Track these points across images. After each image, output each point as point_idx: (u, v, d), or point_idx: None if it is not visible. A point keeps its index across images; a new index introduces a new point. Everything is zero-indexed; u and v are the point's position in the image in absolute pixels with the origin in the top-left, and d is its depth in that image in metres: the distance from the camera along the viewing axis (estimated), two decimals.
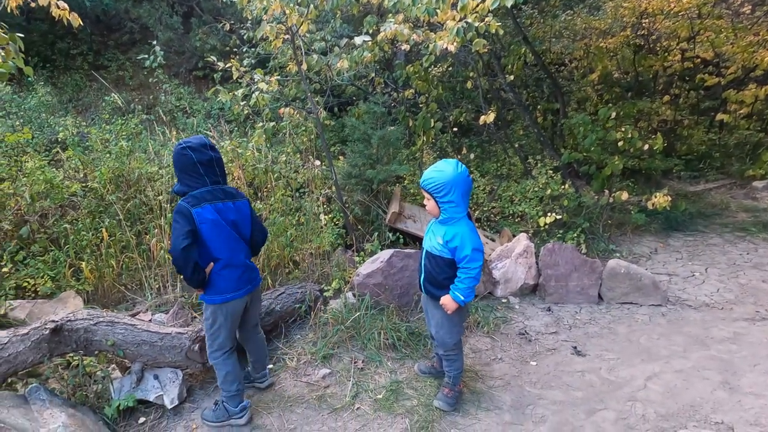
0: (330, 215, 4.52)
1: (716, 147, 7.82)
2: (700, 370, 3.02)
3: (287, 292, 3.46)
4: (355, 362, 3.05)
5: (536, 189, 5.16)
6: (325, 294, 3.60)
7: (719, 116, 7.20)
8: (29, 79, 6.26)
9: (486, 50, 4.72)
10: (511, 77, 5.95)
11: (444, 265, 2.41)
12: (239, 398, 2.55)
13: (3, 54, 2.99)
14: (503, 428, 2.53)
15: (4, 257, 3.69)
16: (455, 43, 3.93)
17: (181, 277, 2.44)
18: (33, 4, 3.20)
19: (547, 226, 4.67)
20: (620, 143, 4.87)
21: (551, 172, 5.24)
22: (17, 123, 5.69)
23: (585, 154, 5.30)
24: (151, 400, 2.68)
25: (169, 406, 2.68)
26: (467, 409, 2.67)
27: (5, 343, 2.45)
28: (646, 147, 4.86)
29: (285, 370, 3.00)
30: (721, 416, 2.60)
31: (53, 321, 2.59)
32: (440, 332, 2.58)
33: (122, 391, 2.67)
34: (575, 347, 3.30)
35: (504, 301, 3.94)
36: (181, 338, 2.79)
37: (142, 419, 2.64)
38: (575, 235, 4.70)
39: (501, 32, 4.03)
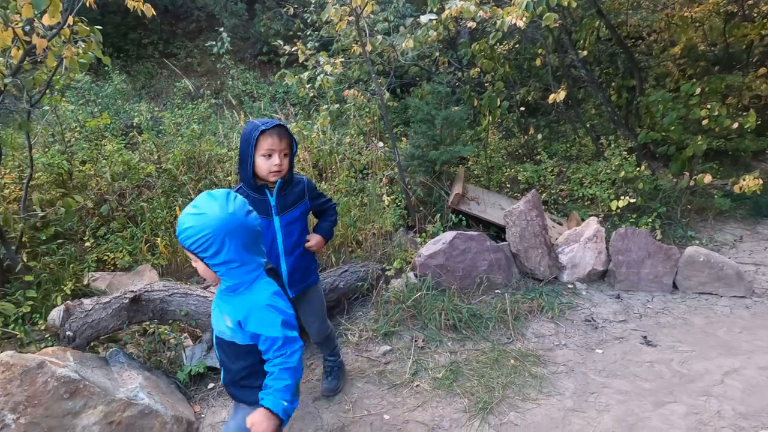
0: (392, 196, 4.55)
1: None
2: None
3: (350, 270, 3.53)
4: (415, 341, 3.09)
5: (608, 171, 4.90)
6: (386, 273, 3.65)
7: None
8: (106, 68, 6.75)
9: (557, 25, 4.50)
10: (585, 53, 5.63)
11: (242, 354, 1.67)
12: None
13: (84, 46, 3.23)
14: (564, 414, 2.48)
15: (87, 233, 4.03)
16: (524, 19, 3.78)
17: None
18: None
19: (619, 210, 4.43)
20: (705, 122, 4.50)
21: (625, 153, 4.94)
22: (96, 110, 6.14)
23: (664, 133, 4.95)
24: (219, 367, 2.86)
25: None
26: (527, 392, 2.64)
27: (89, 310, 2.69)
28: (736, 125, 4.46)
29: (347, 345, 3.10)
30: None
31: (132, 291, 2.81)
32: None
33: (193, 358, 2.86)
34: (645, 337, 3.14)
35: (570, 286, 3.81)
36: None
37: (211, 385, 2.82)
38: (650, 220, 4.44)
39: (574, 5, 3.83)
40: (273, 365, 1.59)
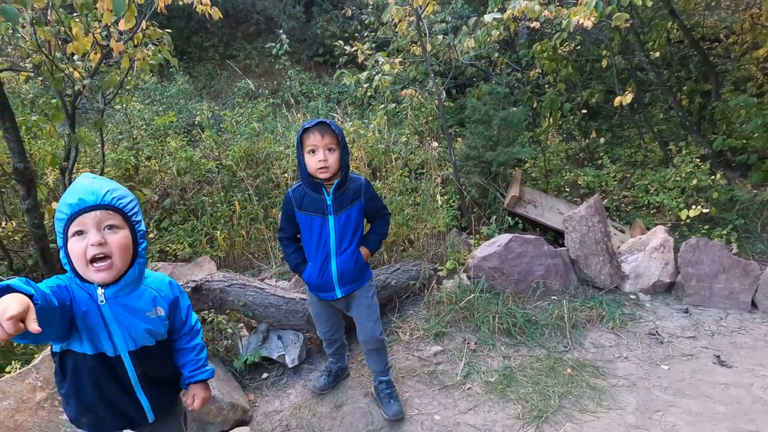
0: (445, 197, 4.49)
1: None
2: None
3: (402, 268, 3.51)
4: (467, 343, 3.02)
5: (677, 179, 4.61)
6: (438, 273, 3.59)
7: None
8: (171, 69, 7.08)
9: (627, 25, 4.29)
10: (656, 54, 5.33)
11: (169, 349, 1.54)
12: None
13: (153, 49, 3.40)
14: (626, 430, 2.33)
15: (151, 225, 4.23)
16: (592, 19, 3.64)
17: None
18: (181, 3, 3.53)
19: (689, 220, 4.16)
20: None
21: (698, 160, 4.63)
22: (160, 108, 6.44)
23: (744, 141, 4.61)
24: (274, 358, 2.91)
25: (290, 366, 2.89)
26: (585, 404, 2.50)
27: None
28: None
29: (398, 343, 3.07)
30: None
31: (194, 281, 2.91)
32: None
33: (249, 348, 2.93)
34: (718, 356, 2.92)
35: (632, 297, 3.61)
36: (304, 304, 2.98)
37: (265, 375, 2.89)
38: (725, 232, 4.13)
39: (649, 4, 3.65)
40: (196, 337, 1.54)
